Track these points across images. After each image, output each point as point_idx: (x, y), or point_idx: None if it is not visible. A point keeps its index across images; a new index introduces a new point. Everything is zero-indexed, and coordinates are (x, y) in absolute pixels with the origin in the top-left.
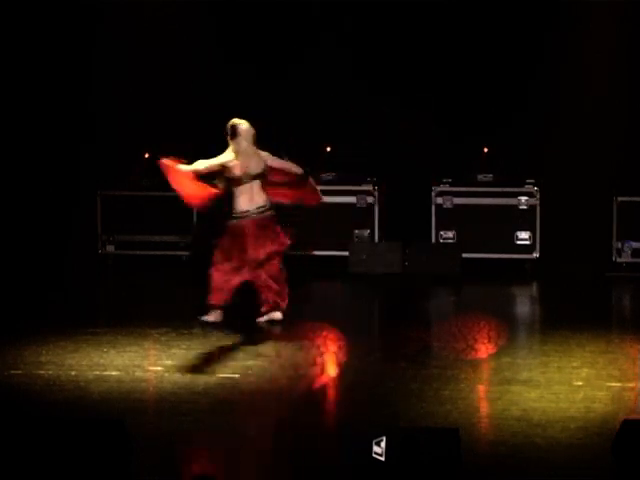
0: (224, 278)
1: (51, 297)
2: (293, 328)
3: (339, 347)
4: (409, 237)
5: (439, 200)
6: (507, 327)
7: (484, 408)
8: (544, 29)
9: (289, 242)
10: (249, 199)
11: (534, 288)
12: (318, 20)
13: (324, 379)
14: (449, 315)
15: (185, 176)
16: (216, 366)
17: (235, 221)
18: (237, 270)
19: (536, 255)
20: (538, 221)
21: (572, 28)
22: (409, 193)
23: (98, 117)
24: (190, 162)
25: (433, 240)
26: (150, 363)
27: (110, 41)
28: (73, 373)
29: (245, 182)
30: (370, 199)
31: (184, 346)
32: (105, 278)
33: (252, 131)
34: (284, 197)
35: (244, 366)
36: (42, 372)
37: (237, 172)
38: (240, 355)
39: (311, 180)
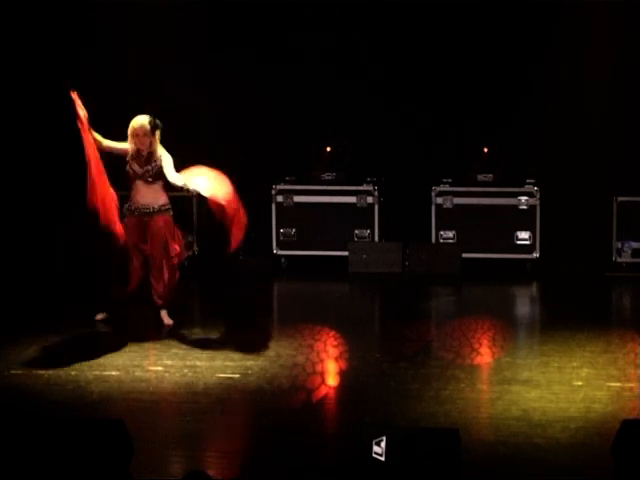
0: None
1: (51, 297)
2: (293, 328)
3: (339, 347)
4: (409, 237)
5: (439, 200)
6: (507, 327)
7: (484, 408)
8: (544, 29)
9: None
10: None
11: (534, 288)
12: (318, 19)
13: (324, 379)
14: (449, 315)
15: None
16: (216, 366)
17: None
18: None
19: (536, 255)
20: (538, 221)
21: (572, 28)
22: (409, 193)
23: (98, 117)
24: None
25: (433, 240)
26: (150, 363)
27: (110, 40)
28: (73, 373)
29: None
30: (370, 199)
31: (184, 346)
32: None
33: None
34: None
35: (244, 366)
36: (42, 372)
37: None
38: (240, 355)
39: None
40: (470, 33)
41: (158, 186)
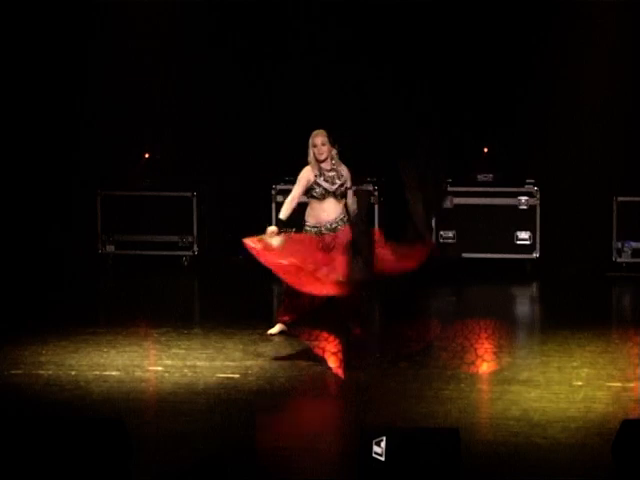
0: None
1: (51, 297)
2: (293, 328)
3: (339, 347)
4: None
5: None
6: (507, 327)
7: (484, 408)
8: (544, 28)
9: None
10: None
11: (534, 288)
12: (319, 19)
13: (324, 379)
14: (449, 315)
15: None
16: (216, 366)
17: None
18: None
19: (536, 255)
20: (538, 221)
21: (572, 27)
22: None
23: (98, 117)
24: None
25: (433, 240)
26: (150, 363)
27: (111, 41)
28: (73, 373)
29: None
30: (370, 199)
31: (184, 346)
32: (105, 278)
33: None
34: None
35: (244, 366)
36: (42, 372)
37: None
38: (240, 355)
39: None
40: (470, 33)
41: (343, 203)
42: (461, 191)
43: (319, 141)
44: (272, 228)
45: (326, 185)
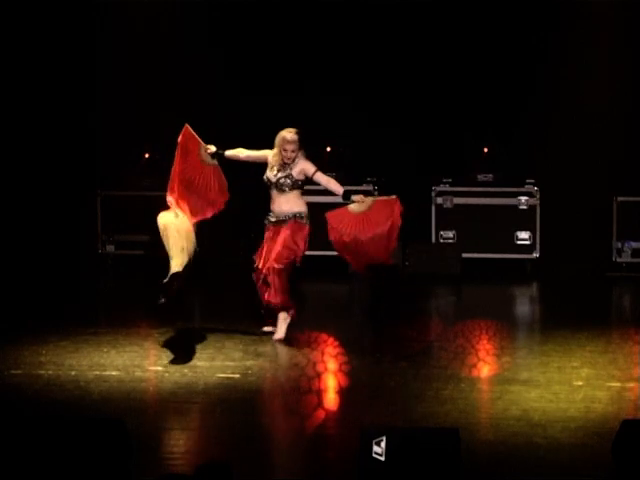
0: None
1: (51, 297)
2: (293, 328)
3: (339, 347)
4: (409, 237)
5: (439, 200)
6: (507, 327)
7: (484, 408)
8: (545, 29)
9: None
10: None
11: (534, 288)
12: (316, 19)
13: (324, 379)
14: (449, 315)
15: None
16: (216, 366)
17: None
18: None
19: (536, 255)
20: (538, 221)
21: (572, 28)
22: (409, 193)
23: (98, 117)
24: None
25: (433, 240)
26: (150, 363)
27: (111, 41)
28: (73, 373)
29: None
30: None
31: (184, 346)
32: (105, 278)
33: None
34: None
35: (244, 366)
36: (42, 372)
37: None
38: (240, 355)
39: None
40: (471, 33)
41: (294, 195)
42: (461, 191)
43: (290, 148)
44: (212, 146)
45: (269, 174)
